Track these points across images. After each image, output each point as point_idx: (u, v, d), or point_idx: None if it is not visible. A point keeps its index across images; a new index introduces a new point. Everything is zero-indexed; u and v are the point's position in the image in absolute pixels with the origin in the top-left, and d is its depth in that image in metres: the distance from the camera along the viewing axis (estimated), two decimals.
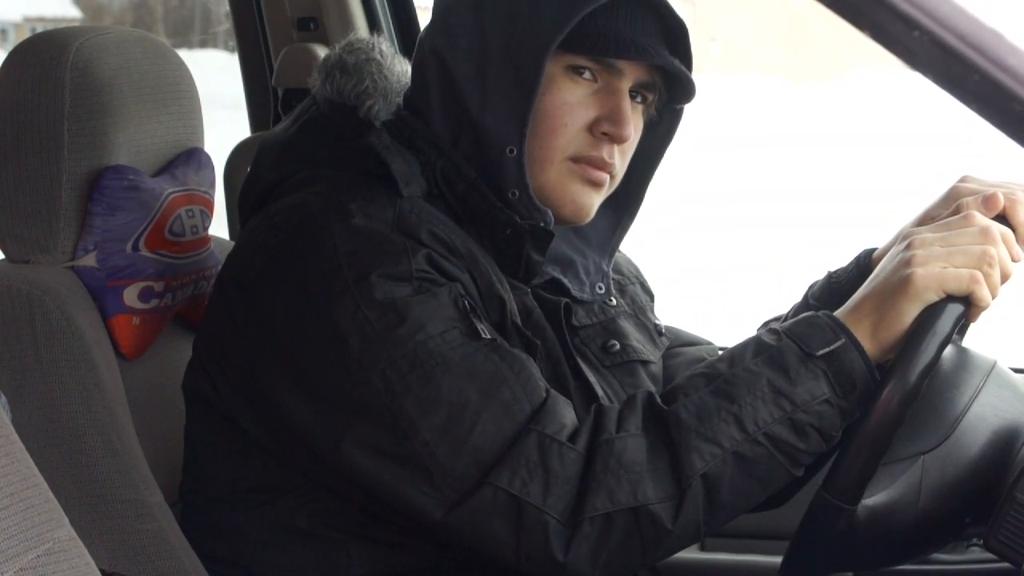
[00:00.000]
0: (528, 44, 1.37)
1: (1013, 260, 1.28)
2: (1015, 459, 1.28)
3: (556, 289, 1.51)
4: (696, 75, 1.46)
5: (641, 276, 1.70)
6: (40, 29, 1.76)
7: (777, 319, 1.67)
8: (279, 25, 2.35)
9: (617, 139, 1.41)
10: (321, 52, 2.27)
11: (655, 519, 1.24)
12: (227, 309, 1.39)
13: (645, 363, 1.58)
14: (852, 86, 13.48)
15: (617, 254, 1.65)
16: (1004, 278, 1.27)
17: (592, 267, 1.56)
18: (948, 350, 1.35)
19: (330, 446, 1.29)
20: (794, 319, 1.31)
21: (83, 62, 1.46)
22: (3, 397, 1.16)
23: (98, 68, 1.48)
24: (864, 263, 1.54)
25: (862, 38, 0.99)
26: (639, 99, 1.45)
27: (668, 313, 1.78)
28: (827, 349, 1.26)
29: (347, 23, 2.34)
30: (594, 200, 1.45)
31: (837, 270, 1.58)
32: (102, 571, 1.07)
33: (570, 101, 1.40)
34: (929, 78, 0.98)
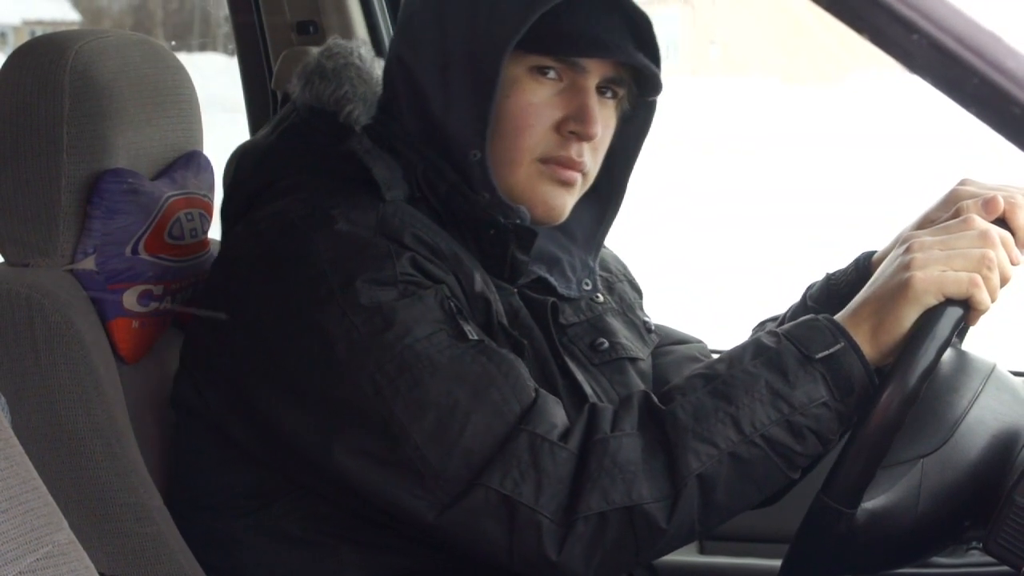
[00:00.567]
0: (487, 47, 1.37)
1: (1012, 263, 1.28)
2: (1014, 462, 1.29)
3: (543, 288, 1.51)
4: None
5: (629, 273, 1.70)
6: (39, 32, 1.76)
7: (773, 319, 1.67)
8: (278, 28, 2.35)
9: (584, 137, 1.41)
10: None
11: (649, 519, 1.24)
12: (211, 318, 1.39)
13: (634, 360, 1.58)
14: (851, 89, 13.47)
15: (604, 251, 1.65)
16: (1003, 281, 1.27)
17: (578, 264, 1.56)
18: (947, 353, 1.35)
19: (321, 453, 1.29)
20: (794, 322, 1.31)
21: (82, 65, 1.46)
22: (3, 399, 1.16)
23: (97, 71, 1.48)
24: (863, 266, 1.54)
25: (861, 41, 1.00)
26: (608, 94, 1.45)
27: (669, 313, 1.78)
28: (826, 352, 1.26)
29: (346, 26, 2.34)
30: (566, 200, 1.45)
31: (836, 272, 1.58)
32: (101, 575, 1.07)
33: (535, 102, 1.40)
34: (928, 81, 0.98)
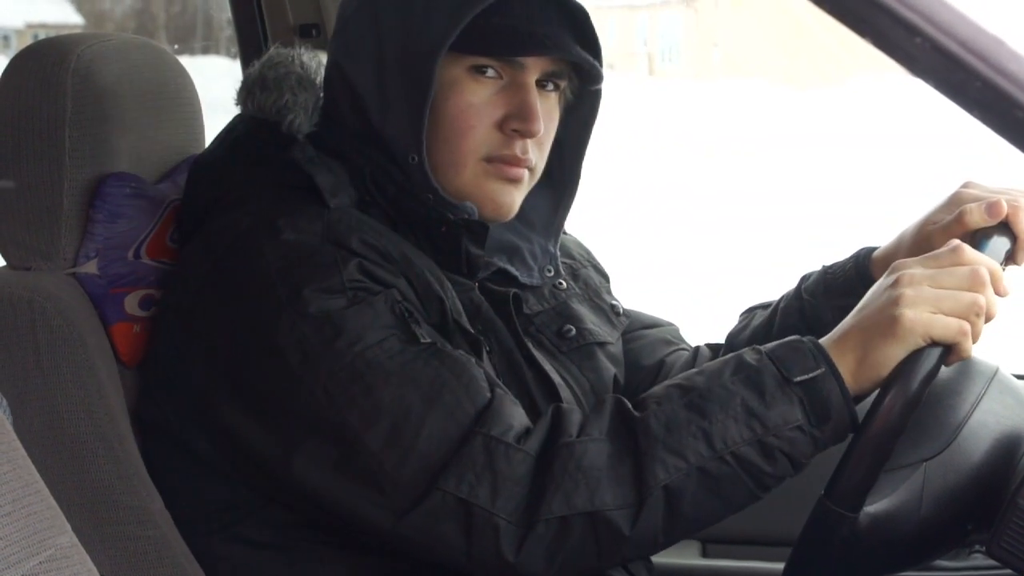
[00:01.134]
0: (420, 49, 1.37)
1: (999, 295, 1.26)
2: (1017, 466, 1.28)
3: (504, 279, 1.51)
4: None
5: (593, 258, 1.69)
6: (42, 36, 1.76)
7: (764, 306, 1.66)
8: (281, 32, 2.35)
9: (527, 135, 1.41)
10: (323, 59, 2.28)
11: (612, 525, 1.23)
12: (169, 337, 1.39)
13: (603, 345, 1.58)
14: (852, 91, 13.47)
15: (567, 238, 1.65)
16: (988, 320, 1.26)
17: (538, 251, 1.56)
18: None
19: (282, 466, 1.29)
20: (778, 342, 1.29)
21: (85, 69, 1.46)
22: (4, 402, 1.16)
23: (100, 75, 1.48)
24: (863, 263, 1.53)
25: (863, 44, 0.99)
26: (550, 87, 1.45)
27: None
28: (805, 376, 1.24)
29: None
30: (515, 196, 1.44)
31: (833, 265, 1.57)
32: None
33: (475, 102, 1.40)
34: (930, 84, 0.98)
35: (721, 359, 1.31)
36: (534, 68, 1.41)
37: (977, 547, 1.34)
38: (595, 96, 1.51)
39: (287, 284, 1.29)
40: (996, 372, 1.40)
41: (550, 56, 1.41)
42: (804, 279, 1.60)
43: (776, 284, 1.67)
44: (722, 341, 1.71)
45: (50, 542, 0.99)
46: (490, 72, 1.40)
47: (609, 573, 1.42)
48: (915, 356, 1.23)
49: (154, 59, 1.60)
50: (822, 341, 1.27)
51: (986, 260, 1.26)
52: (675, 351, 1.70)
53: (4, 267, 1.51)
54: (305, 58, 1.49)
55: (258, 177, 1.42)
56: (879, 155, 10.52)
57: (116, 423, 1.42)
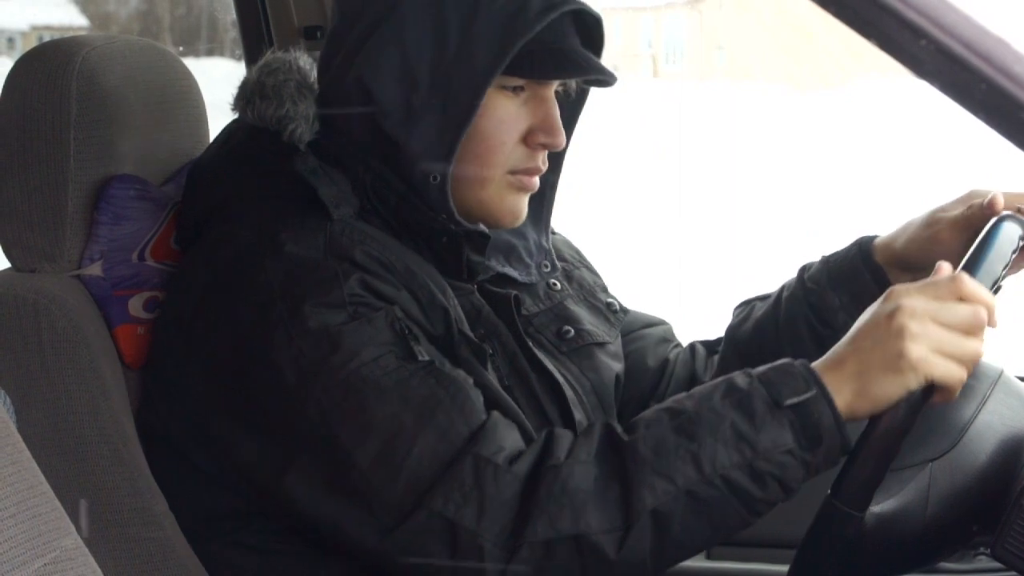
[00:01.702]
0: (462, 75, 1.35)
1: (991, 327, 1.24)
2: (1022, 468, 1.28)
3: (502, 280, 1.51)
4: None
5: (584, 259, 1.69)
6: (47, 38, 1.76)
7: (762, 298, 1.65)
8: (285, 33, 2.35)
9: (554, 148, 1.42)
10: None
11: (597, 549, 1.21)
12: (168, 347, 1.39)
13: (602, 345, 1.58)
14: (856, 94, 13.47)
15: (557, 238, 1.65)
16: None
17: (533, 247, 1.56)
18: None
19: (273, 482, 1.29)
20: (769, 365, 1.27)
21: (89, 71, 1.46)
22: (10, 405, 1.17)
23: (104, 77, 1.48)
24: (867, 248, 1.52)
25: (866, 47, 0.99)
26: (559, 90, 1.45)
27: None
28: (796, 399, 1.22)
29: None
30: (526, 203, 1.45)
31: (833, 254, 1.57)
32: None
33: (505, 119, 1.40)
34: (935, 87, 0.98)
35: (711, 383, 1.29)
36: (555, 80, 1.42)
37: (982, 549, 1.34)
38: (584, 91, 1.52)
39: (288, 299, 1.28)
40: (1001, 374, 1.40)
41: (585, 76, 1.41)
42: (804, 269, 1.60)
43: (777, 285, 1.66)
44: (712, 338, 1.70)
45: (55, 544, 1.00)
46: (518, 89, 1.40)
47: None
48: (911, 395, 1.21)
49: (159, 61, 1.60)
50: (815, 365, 1.24)
51: (984, 296, 1.23)
52: (674, 348, 1.70)
53: (9, 269, 1.51)
54: (302, 62, 1.47)
55: (259, 188, 1.41)
56: (881, 157, 10.52)
57: (120, 425, 1.42)
